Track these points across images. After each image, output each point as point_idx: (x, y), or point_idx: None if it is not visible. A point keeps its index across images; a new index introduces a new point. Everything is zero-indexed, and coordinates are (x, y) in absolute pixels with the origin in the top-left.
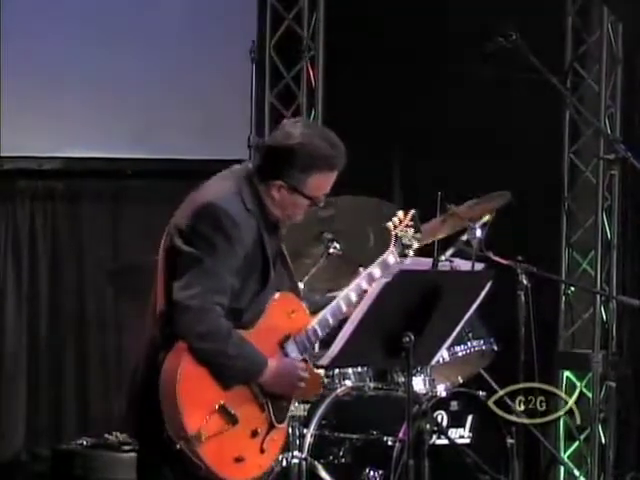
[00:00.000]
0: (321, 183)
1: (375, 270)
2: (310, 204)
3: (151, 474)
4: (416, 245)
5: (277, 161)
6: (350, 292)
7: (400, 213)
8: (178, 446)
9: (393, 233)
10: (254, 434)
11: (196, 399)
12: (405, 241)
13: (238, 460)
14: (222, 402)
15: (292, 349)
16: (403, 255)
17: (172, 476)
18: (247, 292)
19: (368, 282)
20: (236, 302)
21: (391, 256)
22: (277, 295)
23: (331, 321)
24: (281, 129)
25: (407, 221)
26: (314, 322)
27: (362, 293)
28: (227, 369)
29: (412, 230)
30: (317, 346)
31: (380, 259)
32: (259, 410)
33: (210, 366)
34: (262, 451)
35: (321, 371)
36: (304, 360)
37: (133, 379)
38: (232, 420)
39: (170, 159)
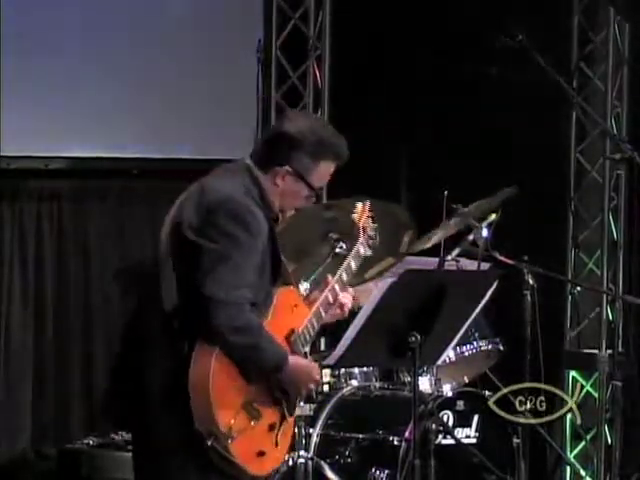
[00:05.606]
0: (325, 173)
1: (352, 262)
2: (308, 195)
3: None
4: (377, 238)
5: (286, 146)
6: (335, 284)
7: (359, 204)
8: (209, 443)
9: (360, 225)
10: (271, 428)
11: (226, 397)
12: (369, 232)
13: (260, 454)
14: (248, 398)
15: (298, 343)
16: (368, 246)
17: (196, 472)
18: (262, 287)
19: (347, 274)
20: (254, 297)
21: (361, 247)
22: (281, 290)
23: (323, 314)
24: (287, 117)
25: (367, 212)
26: (310, 315)
27: (344, 284)
28: (257, 362)
29: (371, 220)
30: (323, 341)
31: (353, 251)
32: (274, 404)
33: (240, 361)
34: (276, 444)
35: (327, 370)
36: (305, 354)
37: (140, 377)
38: (256, 415)
39: (176, 159)
